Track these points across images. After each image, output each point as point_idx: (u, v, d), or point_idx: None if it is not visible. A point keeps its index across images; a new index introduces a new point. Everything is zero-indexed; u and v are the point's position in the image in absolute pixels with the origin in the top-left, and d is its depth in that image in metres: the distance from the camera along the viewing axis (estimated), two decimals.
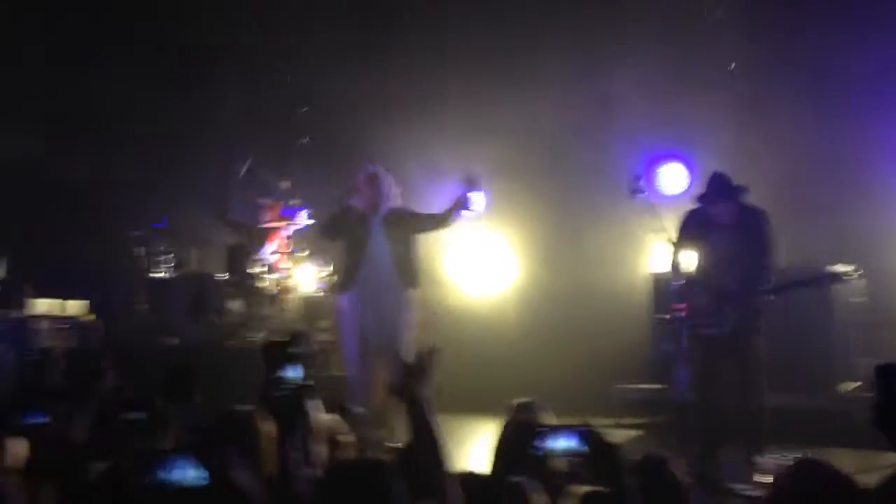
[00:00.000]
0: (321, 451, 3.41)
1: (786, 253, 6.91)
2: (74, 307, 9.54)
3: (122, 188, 10.90)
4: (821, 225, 8.49)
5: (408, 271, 7.59)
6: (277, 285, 9.63)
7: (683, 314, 6.21)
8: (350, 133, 10.29)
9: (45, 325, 9.00)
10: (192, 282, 9.35)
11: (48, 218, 10.77)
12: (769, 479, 3.80)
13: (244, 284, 9.40)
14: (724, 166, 6.76)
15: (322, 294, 9.85)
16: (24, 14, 10.48)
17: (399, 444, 3.90)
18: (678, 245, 6.49)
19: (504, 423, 3.91)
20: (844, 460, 4.38)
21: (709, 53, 9.51)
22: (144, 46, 10.72)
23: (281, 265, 9.69)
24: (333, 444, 3.75)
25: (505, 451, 3.69)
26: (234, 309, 9.16)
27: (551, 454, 3.24)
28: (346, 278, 7.69)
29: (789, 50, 9.09)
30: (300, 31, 10.77)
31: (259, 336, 9.16)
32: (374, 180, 7.61)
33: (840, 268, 7.35)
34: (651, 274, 8.68)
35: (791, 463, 2.84)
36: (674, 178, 9.28)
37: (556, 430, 3.25)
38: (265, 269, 9.54)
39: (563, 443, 3.12)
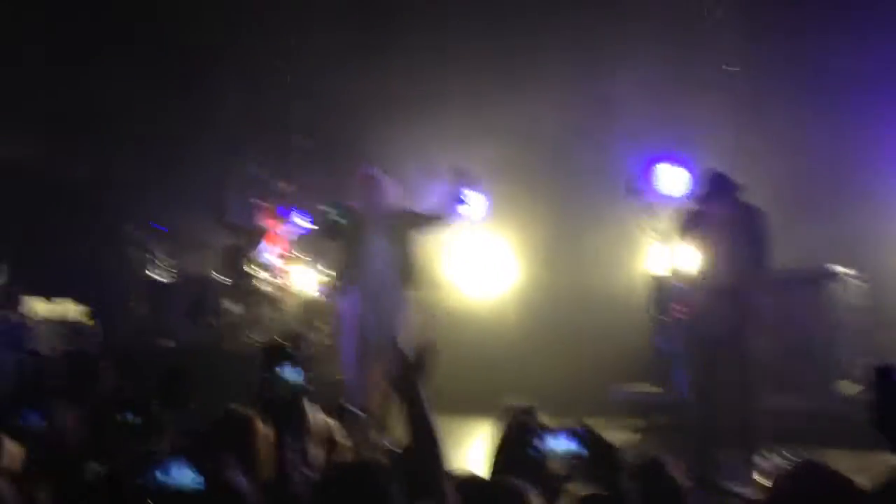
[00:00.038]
0: (318, 453, 3.40)
1: (785, 253, 6.89)
2: (72, 310, 9.54)
3: (121, 188, 10.90)
4: (820, 226, 8.47)
5: (407, 272, 7.58)
6: (276, 287, 9.62)
7: (682, 315, 6.19)
8: (349, 133, 10.29)
9: (42, 327, 8.99)
10: (190, 283, 9.34)
11: (47, 218, 10.76)
12: (769, 480, 3.78)
13: (242, 286, 9.38)
14: (724, 167, 6.75)
15: (321, 296, 9.84)
16: (24, 14, 10.48)
17: (397, 447, 3.89)
18: (675, 244, 6.48)
19: (501, 425, 3.90)
20: (844, 461, 4.36)
21: (708, 54, 9.51)
22: (144, 46, 10.72)
23: (280, 267, 9.68)
24: (331, 446, 3.74)
25: (503, 454, 3.68)
26: (231, 311, 9.14)
27: (549, 456, 3.23)
28: (345, 280, 7.68)
29: (789, 50, 9.08)
30: (299, 31, 10.77)
31: (257, 338, 9.15)
32: (372, 181, 7.60)
33: (838, 268, 7.35)
34: (650, 275, 8.67)
35: (790, 464, 2.83)
36: (673, 179, 9.26)
37: (554, 431, 3.24)
38: (263, 270, 9.52)
39: (561, 445, 3.10)
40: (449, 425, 2.95)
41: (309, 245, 9.97)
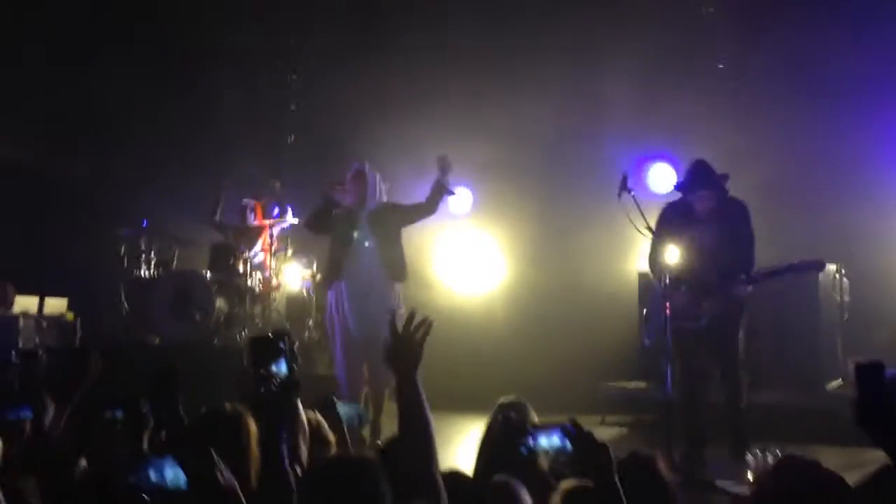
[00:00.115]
0: (304, 449, 3.39)
1: (773, 249, 6.90)
2: (53, 305, 9.51)
3: (113, 187, 10.89)
4: (810, 223, 8.51)
5: (395, 265, 7.58)
6: (262, 284, 9.60)
7: (668, 311, 6.18)
8: (340, 131, 10.29)
9: (24, 323, 8.96)
10: (177, 280, 9.31)
11: (43, 217, 10.75)
12: (755, 476, 3.79)
13: (228, 283, 9.36)
14: (714, 165, 6.74)
15: (306, 292, 9.83)
16: (24, 14, 10.45)
17: (386, 441, 3.88)
18: (657, 239, 6.46)
19: (489, 422, 3.90)
20: (830, 457, 4.38)
21: (699, 53, 9.54)
22: (144, 46, 10.72)
23: (266, 264, 9.67)
24: (317, 441, 3.73)
25: (490, 450, 3.68)
26: (218, 307, 9.13)
27: (537, 452, 3.23)
28: (332, 274, 7.68)
29: (779, 49, 9.11)
30: (297, 31, 10.78)
31: (242, 334, 9.14)
32: (360, 177, 7.60)
33: (826, 264, 7.34)
34: (638, 272, 8.68)
35: (776, 460, 2.83)
36: (662, 178, 9.28)
37: (542, 428, 3.23)
38: (250, 267, 9.51)
39: (549, 441, 3.10)
40: (437, 422, 2.92)
41: (298, 241, 9.97)
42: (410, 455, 2.86)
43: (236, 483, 2.88)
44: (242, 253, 9.48)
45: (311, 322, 9.71)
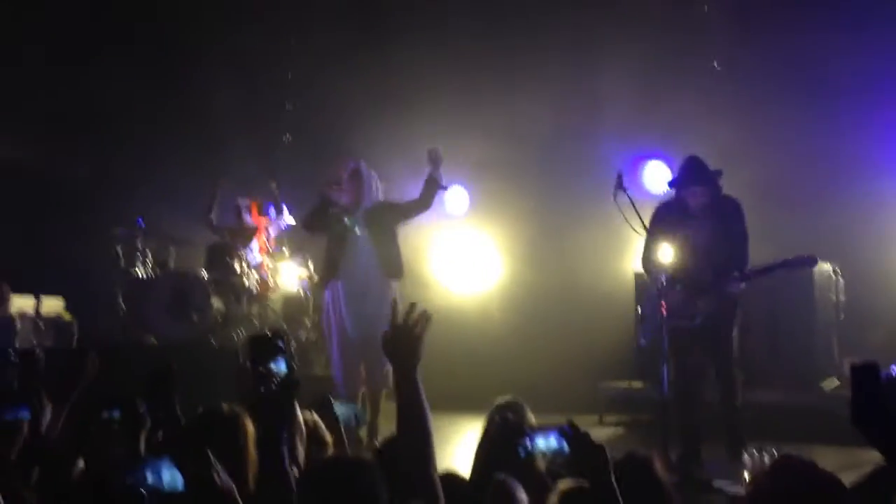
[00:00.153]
0: (301, 449, 3.39)
1: (769, 250, 6.91)
2: (50, 305, 9.51)
3: (111, 187, 10.88)
4: (806, 223, 8.51)
5: (391, 263, 7.58)
6: (258, 284, 9.59)
7: (664, 310, 6.18)
8: (337, 130, 10.29)
9: (21, 323, 8.96)
10: (173, 280, 9.30)
11: (43, 217, 10.75)
12: (751, 476, 3.80)
13: (225, 283, 9.35)
14: (709, 164, 6.74)
15: (303, 293, 9.82)
16: (24, 14, 10.45)
17: (384, 442, 3.88)
18: (651, 237, 6.46)
19: (486, 423, 3.90)
20: (827, 457, 4.40)
21: (695, 52, 9.54)
22: (144, 46, 10.73)
23: (263, 264, 9.66)
24: (314, 442, 3.73)
25: (488, 451, 3.67)
26: (215, 307, 9.13)
27: (535, 454, 3.23)
28: (329, 274, 7.67)
29: (775, 48, 9.13)
30: (295, 31, 10.78)
31: (239, 334, 9.14)
32: (356, 175, 7.60)
33: (822, 263, 7.35)
34: (635, 272, 8.70)
35: (771, 460, 2.84)
36: (658, 177, 9.28)
37: (539, 429, 3.23)
38: (246, 267, 9.50)
39: (546, 442, 3.10)
40: (433, 422, 2.91)
41: (295, 241, 9.96)
42: (408, 456, 2.85)
43: (233, 485, 2.88)
44: (239, 252, 9.47)
45: (307, 322, 9.71)
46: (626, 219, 6.38)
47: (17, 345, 8.60)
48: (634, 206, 6.44)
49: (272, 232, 9.78)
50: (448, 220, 10.29)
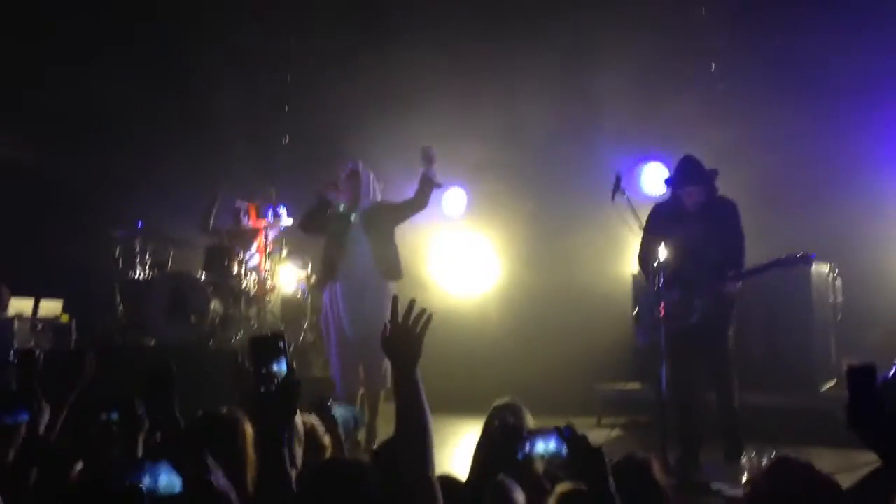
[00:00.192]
0: (299, 452, 3.39)
1: (766, 250, 6.91)
2: (48, 307, 9.50)
3: (111, 187, 10.88)
4: (803, 224, 8.51)
5: (389, 264, 7.58)
6: (257, 285, 9.59)
7: (661, 311, 6.18)
8: (335, 131, 10.30)
9: (19, 325, 8.95)
10: (172, 282, 9.29)
11: (42, 218, 10.75)
12: (749, 477, 3.80)
13: (223, 285, 9.35)
14: (704, 163, 6.74)
15: (301, 294, 9.82)
16: (24, 14, 10.45)
17: (380, 444, 3.88)
18: (647, 238, 6.46)
19: (485, 426, 3.90)
20: (824, 459, 4.40)
21: (693, 55, 9.55)
22: (144, 46, 10.73)
23: (261, 265, 9.65)
24: (311, 444, 3.72)
25: (486, 454, 3.68)
26: (213, 309, 9.12)
27: (533, 456, 3.23)
28: (327, 275, 7.67)
29: (772, 49, 9.14)
30: (295, 32, 10.79)
31: (238, 336, 9.13)
32: (354, 176, 7.60)
33: (820, 264, 7.35)
34: (632, 273, 8.70)
35: (768, 461, 2.84)
36: (656, 179, 9.29)
37: (538, 432, 3.23)
38: (245, 269, 9.49)
39: (545, 445, 3.10)
40: (432, 424, 2.91)
41: (293, 243, 9.96)
42: (406, 457, 2.83)
43: (232, 488, 2.88)
44: (237, 254, 9.46)
45: (306, 324, 9.71)
46: (624, 221, 6.38)
47: (15, 346, 8.60)
48: (633, 209, 6.44)
49: (271, 234, 9.78)
50: (446, 222, 10.30)
